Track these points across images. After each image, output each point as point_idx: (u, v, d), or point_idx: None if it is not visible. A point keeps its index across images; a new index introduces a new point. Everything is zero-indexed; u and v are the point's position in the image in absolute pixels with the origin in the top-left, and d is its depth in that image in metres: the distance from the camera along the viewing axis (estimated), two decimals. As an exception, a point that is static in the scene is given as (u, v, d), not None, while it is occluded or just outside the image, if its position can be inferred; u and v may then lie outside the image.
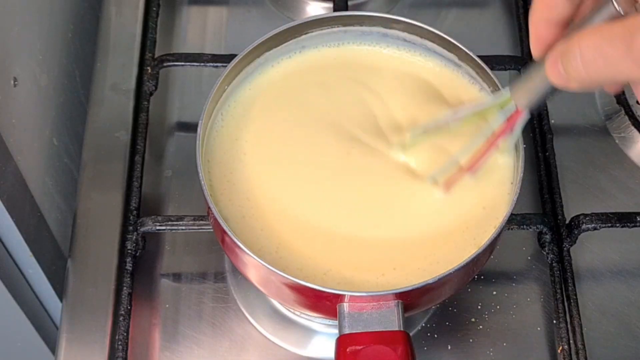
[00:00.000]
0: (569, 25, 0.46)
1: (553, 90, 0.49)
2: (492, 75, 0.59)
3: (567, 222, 0.67)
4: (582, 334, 0.63)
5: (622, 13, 0.42)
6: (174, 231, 0.67)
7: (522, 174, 0.55)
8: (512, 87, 0.52)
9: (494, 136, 0.54)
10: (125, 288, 0.64)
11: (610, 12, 0.43)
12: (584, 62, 0.42)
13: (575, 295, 0.65)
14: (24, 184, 0.70)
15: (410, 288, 0.51)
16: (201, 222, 0.64)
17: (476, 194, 0.57)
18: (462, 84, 0.61)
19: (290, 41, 0.62)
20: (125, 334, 0.63)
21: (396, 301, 0.51)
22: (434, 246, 0.55)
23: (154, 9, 0.78)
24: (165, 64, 0.74)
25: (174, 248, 0.68)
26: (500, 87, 0.57)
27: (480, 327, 0.65)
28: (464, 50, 0.60)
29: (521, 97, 0.51)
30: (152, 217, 0.66)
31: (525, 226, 0.66)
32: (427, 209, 0.56)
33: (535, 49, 0.48)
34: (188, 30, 0.81)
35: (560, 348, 0.63)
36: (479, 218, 0.56)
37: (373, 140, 0.59)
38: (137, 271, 0.67)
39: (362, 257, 0.55)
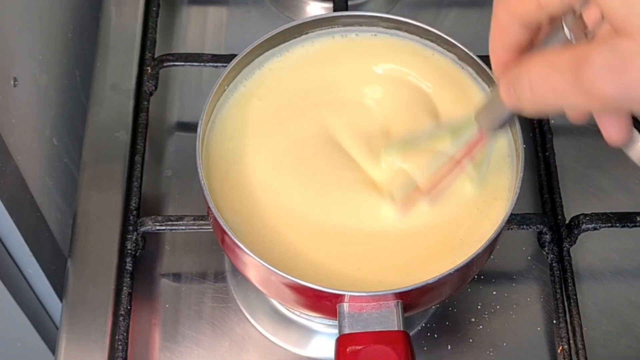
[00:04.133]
0: (530, 50, 0.45)
1: (513, 114, 0.48)
2: (492, 75, 0.58)
3: (567, 222, 0.67)
4: (582, 334, 0.63)
5: (572, 40, 0.41)
6: (174, 231, 0.67)
7: (522, 174, 0.55)
8: (475, 109, 0.51)
9: (457, 158, 0.53)
10: (125, 288, 0.64)
11: (561, 38, 0.42)
12: (532, 90, 0.41)
13: (575, 295, 0.65)
14: (24, 184, 0.70)
15: (410, 288, 0.51)
16: (201, 222, 0.64)
17: (476, 194, 0.57)
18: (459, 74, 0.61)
19: (290, 41, 0.62)
20: (125, 334, 0.63)
21: (396, 301, 0.51)
22: (434, 245, 0.55)
23: (154, 9, 0.78)
24: (165, 64, 0.74)
25: (174, 248, 0.69)
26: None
27: (480, 327, 0.65)
28: (464, 50, 0.60)
29: (483, 119, 0.50)
30: (152, 217, 0.66)
31: (525, 226, 0.66)
32: (427, 208, 0.56)
33: (496, 71, 0.47)
34: (188, 30, 0.81)
35: (560, 348, 0.63)
36: (479, 217, 0.56)
37: (361, 147, 0.59)
38: (137, 271, 0.67)
39: (363, 256, 0.55)
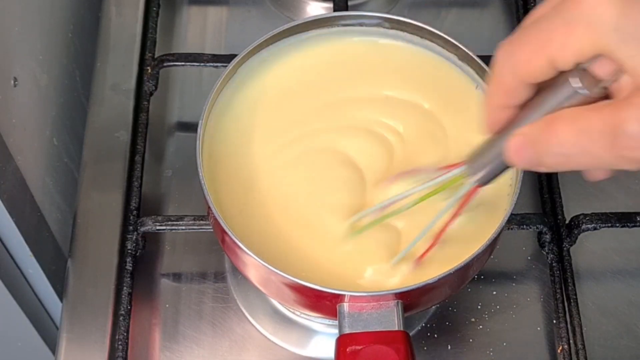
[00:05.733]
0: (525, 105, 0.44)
1: (508, 168, 0.47)
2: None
3: (567, 222, 0.67)
4: (582, 334, 0.63)
5: (582, 93, 0.40)
6: (174, 231, 0.67)
7: (522, 174, 0.55)
8: (467, 163, 0.50)
9: (450, 216, 0.53)
10: (125, 288, 0.64)
11: (569, 91, 0.41)
12: (564, 154, 0.40)
13: (575, 295, 0.65)
14: (24, 184, 0.70)
15: (410, 288, 0.51)
16: (201, 222, 0.64)
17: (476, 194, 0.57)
18: (461, 84, 0.61)
19: (290, 41, 0.62)
20: (125, 334, 0.63)
21: (396, 301, 0.51)
22: (433, 246, 0.55)
23: (154, 9, 0.78)
24: (165, 64, 0.74)
25: (174, 248, 0.69)
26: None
27: (480, 327, 0.65)
28: (464, 50, 0.60)
29: (476, 173, 0.49)
30: (152, 217, 0.66)
31: (525, 226, 0.66)
32: (426, 208, 0.56)
33: (490, 129, 0.46)
34: (188, 30, 0.81)
35: (560, 348, 0.63)
36: (479, 217, 0.56)
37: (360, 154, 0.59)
38: (137, 271, 0.67)
39: (363, 256, 0.55)
